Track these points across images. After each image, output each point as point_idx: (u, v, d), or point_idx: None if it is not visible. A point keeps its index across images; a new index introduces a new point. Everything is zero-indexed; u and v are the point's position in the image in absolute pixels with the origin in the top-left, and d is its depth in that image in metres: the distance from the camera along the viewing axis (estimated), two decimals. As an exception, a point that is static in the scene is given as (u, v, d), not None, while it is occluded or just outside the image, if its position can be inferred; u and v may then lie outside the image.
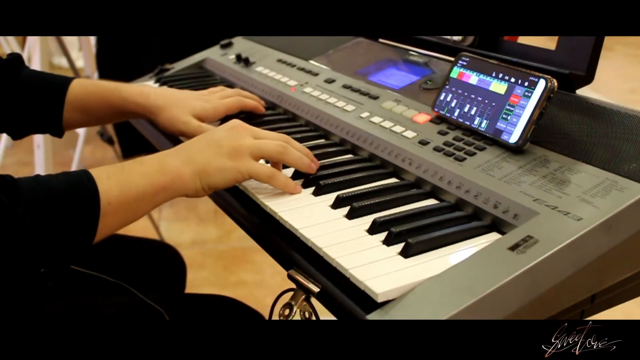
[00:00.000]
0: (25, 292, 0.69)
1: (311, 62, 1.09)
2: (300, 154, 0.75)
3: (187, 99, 0.92)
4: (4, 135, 2.56)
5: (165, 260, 1.13)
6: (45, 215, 0.59)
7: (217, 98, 0.94)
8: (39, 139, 2.05)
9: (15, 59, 0.93)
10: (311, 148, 0.86)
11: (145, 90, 0.93)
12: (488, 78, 0.75)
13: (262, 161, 0.76)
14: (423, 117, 0.81)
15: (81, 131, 2.59)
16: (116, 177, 0.65)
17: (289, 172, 0.79)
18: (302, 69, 1.06)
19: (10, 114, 0.91)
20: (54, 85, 0.92)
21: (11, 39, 3.47)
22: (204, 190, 0.71)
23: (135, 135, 1.19)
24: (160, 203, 0.69)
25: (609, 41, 1.05)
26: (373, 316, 0.53)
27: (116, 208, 0.64)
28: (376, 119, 0.84)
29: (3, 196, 0.57)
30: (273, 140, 0.74)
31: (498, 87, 0.73)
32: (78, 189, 0.61)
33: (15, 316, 0.71)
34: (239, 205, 0.76)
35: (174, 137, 0.96)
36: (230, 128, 0.75)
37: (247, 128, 0.75)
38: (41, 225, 0.58)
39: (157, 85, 1.18)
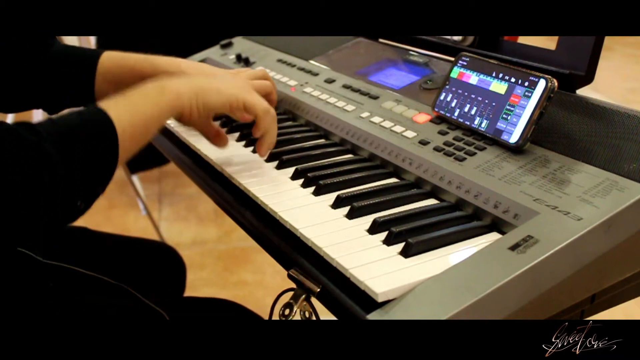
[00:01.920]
0: (62, 227, 0.71)
1: (311, 62, 1.09)
2: (275, 133, 0.80)
3: (216, 72, 0.94)
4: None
5: (164, 262, 1.13)
6: (69, 150, 0.60)
7: (245, 77, 0.95)
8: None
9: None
10: (311, 148, 0.86)
11: (176, 61, 0.94)
12: (488, 78, 0.75)
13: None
14: (423, 117, 0.81)
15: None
16: (124, 106, 0.68)
17: (290, 171, 0.79)
18: (302, 69, 1.06)
19: (43, 89, 0.92)
20: (85, 59, 0.93)
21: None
22: (197, 110, 0.74)
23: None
24: (165, 121, 0.74)
25: (609, 41, 1.05)
26: (373, 316, 0.53)
27: (130, 133, 0.67)
28: (376, 119, 0.84)
29: (28, 135, 0.58)
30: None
31: (498, 87, 0.73)
32: (94, 122, 0.64)
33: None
34: (239, 205, 0.76)
35: (175, 138, 0.96)
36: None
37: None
38: (67, 160, 0.60)
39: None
